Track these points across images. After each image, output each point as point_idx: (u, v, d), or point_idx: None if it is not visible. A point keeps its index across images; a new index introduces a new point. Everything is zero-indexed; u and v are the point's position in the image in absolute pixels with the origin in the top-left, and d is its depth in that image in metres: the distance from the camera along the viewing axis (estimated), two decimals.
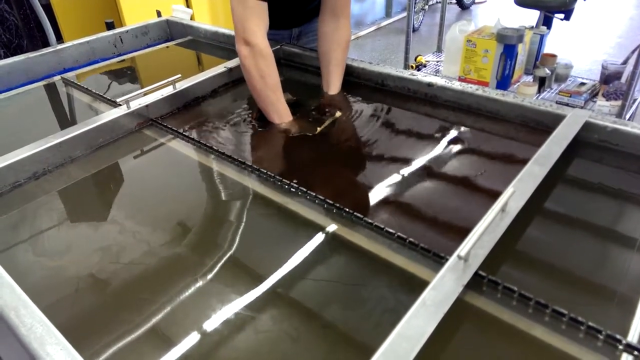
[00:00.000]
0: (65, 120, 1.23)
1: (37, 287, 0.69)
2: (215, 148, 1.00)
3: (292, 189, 0.87)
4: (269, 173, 0.90)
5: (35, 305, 0.57)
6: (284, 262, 0.71)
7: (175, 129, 1.09)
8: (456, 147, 1.00)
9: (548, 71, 2.75)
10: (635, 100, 2.50)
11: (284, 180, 0.88)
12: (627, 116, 2.43)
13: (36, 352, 0.50)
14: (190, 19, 1.79)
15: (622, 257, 0.71)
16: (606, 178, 0.90)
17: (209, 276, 0.70)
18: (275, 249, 0.76)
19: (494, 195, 0.82)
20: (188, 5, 3.10)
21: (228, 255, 0.74)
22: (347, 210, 0.79)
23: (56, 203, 0.90)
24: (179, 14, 1.82)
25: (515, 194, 0.72)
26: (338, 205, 0.80)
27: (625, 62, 2.71)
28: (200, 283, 0.69)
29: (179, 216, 0.84)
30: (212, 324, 0.62)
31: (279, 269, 0.70)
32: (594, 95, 2.67)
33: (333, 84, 1.26)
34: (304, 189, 0.85)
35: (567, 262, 0.70)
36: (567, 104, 2.57)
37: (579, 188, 0.88)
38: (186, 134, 1.07)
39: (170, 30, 1.77)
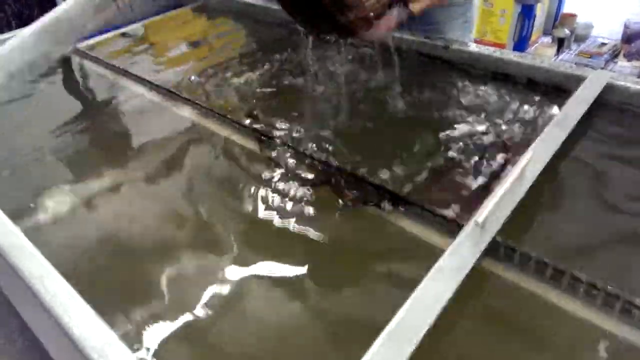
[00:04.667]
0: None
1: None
2: None
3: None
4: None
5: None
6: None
7: None
8: (470, 110, 0.98)
9: (567, 32, 2.66)
10: None
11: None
12: None
13: (60, 318, 0.52)
14: None
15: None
16: (627, 143, 0.88)
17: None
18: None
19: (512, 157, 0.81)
20: None
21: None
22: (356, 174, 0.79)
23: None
24: None
25: (534, 158, 0.71)
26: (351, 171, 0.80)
27: None
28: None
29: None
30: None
31: None
32: (615, 55, 2.58)
33: None
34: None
35: (587, 227, 0.70)
36: (587, 65, 2.50)
37: (598, 153, 0.86)
38: None
39: None
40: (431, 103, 1.02)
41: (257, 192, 0.81)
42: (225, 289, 0.64)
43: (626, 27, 2.61)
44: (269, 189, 0.81)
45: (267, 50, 1.30)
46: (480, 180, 0.79)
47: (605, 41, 2.70)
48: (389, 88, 1.08)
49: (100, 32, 1.49)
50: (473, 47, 1.12)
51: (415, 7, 1.01)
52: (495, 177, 0.79)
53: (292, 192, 0.80)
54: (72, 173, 0.92)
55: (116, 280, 0.67)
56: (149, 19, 1.58)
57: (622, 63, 2.43)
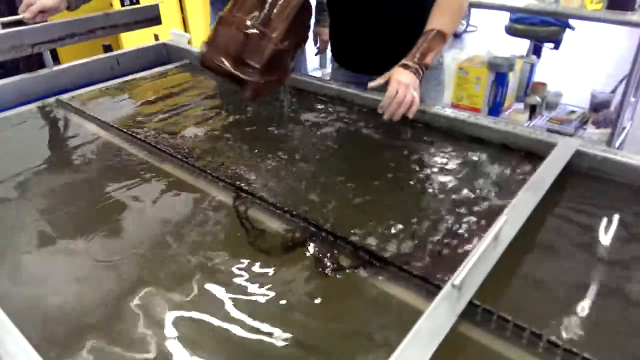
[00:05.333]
0: (58, 140, 1.23)
1: None
2: None
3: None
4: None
5: None
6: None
7: None
8: (448, 173, 1.00)
9: (539, 99, 2.80)
10: (624, 128, 2.54)
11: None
12: (617, 144, 2.47)
13: None
14: (188, 43, 1.81)
15: (614, 285, 0.71)
16: (596, 206, 0.90)
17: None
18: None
19: (487, 220, 0.83)
20: (186, 30, 3.14)
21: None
22: (332, 232, 0.79)
23: None
24: (177, 37, 1.84)
25: (508, 221, 0.72)
26: (315, 222, 0.80)
27: (613, 91, 2.77)
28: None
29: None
30: None
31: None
32: (583, 123, 2.71)
33: (434, 18, 1.15)
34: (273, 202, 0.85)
35: (561, 291, 0.70)
36: (557, 132, 2.61)
37: (570, 216, 0.88)
38: None
39: (167, 54, 1.79)
40: (408, 163, 1.05)
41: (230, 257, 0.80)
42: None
43: (593, 96, 2.77)
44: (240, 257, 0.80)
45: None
46: (457, 242, 0.80)
47: (574, 109, 2.84)
48: (367, 148, 1.11)
49: (84, 85, 1.51)
50: (449, 112, 1.16)
51: (428, 60, 1.12)
52: (471, 238, 0.80)
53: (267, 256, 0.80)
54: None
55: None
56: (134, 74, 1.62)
57: (590, 130, 2.55)
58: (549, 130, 2.65)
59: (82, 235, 0.86)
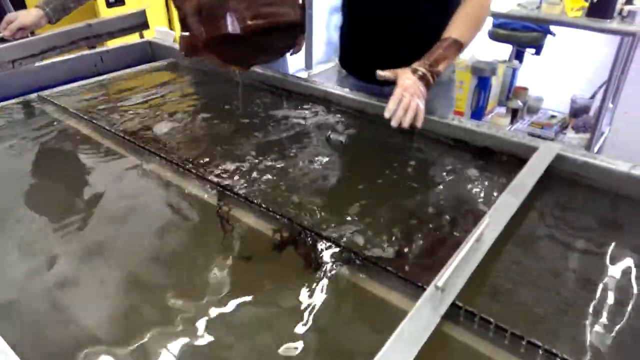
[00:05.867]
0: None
1: None
2: None
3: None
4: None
5: None
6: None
7: None
8: (431, 175, 1.02)
9: (520, 103, 2.84)
10: (602, 133, 2.60)
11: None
12: (595, 149, 2.53)
13: None
14: (173, 41, 1.80)
15: (589, 289, 0.73)
16: (576, 209, 0.92)
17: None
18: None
19: (470, 222, 0.84)
20: (171, 28, 3.11)
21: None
22: (314, 231, 0.79)
23: None
24: (162, 35, 1.82)
25: (490, 224, 0.74)
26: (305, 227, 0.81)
27: (593, 97, 2.84)
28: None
29: None
30: None
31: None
32: (564, 127, 2.77)
33: (452, 26, 1.13)
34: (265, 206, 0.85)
35: (541, 293, 0.72)
36: (539, 136, 2.66)
37: (550, 219, 0.90)
38: None
39: (152, 52, 1.77)
40: (394, 166, 1.05)
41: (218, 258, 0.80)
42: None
43: (573, 102, 2.82)
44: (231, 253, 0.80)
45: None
46: (440, 244, 0.81)
47: (555, 114, 2.90)
48: (354, 152, 1.12)
49: (66, 82, 1.49)
50: (435, 117, 1.17)
51: (440, 68, 1.09)
52: (454, 240, 0.82)
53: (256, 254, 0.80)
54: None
55: None
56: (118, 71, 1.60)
57: (570, 134, 2.60)
58: (530, 134, 2.72)
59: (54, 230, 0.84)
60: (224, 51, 0.96)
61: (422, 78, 1.05)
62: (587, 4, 2.12)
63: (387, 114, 1.02)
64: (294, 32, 0.98)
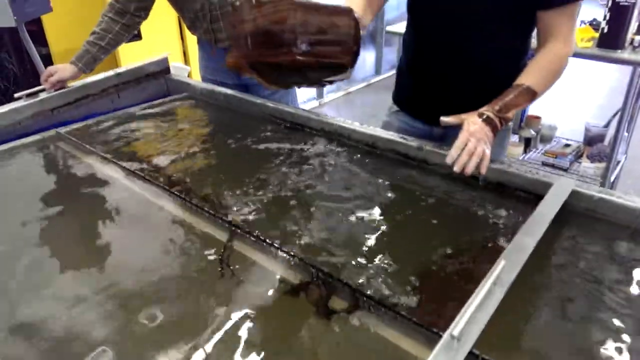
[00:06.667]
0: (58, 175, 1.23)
1: None
2: None
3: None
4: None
5: None
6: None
7: None
8: (444, 212, 1.01)
9: (533, 132, 2.83)
10: (618, 162, 2.57)
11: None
12: (612, 178, 2.49)
13: None
14: (188, 76, 1.84)
15: (614, 337, 0.71)
16: (593, 247, 0.90)
17: None
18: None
19: (486, 262, 0.82)
20: (186, 63, 3.18)
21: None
22: (330, 274, 0.79)
23: None
24: (177, 70, 1.86)
25: (506, 266, 0.72)
26: (322, 268, 0.80)
27: (607, 125, 2.81)
28: None
29: None
30: None
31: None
32: (578, 156, 2.74)
33: (528, 73, 1.09)
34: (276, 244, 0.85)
35: (561, 340, 0.70)
36: (553, 165, 2.64)
37: (566, 258, 0.88)
38: None
39: (167, 87, 1.81)
40: (408, 202, 1.05)
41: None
42: None
43: (587, 130, 2.80)
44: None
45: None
46: (456, 285, 0.80)
47: (569, 142, 2.87)
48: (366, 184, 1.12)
49: (83, 118, 1.53)
50: (444, 151, 1.17)
51: (510, 115, 1.06)
52: (470, 281, 0.80)
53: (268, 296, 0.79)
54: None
55: None
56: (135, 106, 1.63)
57: (585, 164, 2.57)
58: (544, 164, 2.70)
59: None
60: (267, 71, 0.97)
61: (490, 122, 1.01)
62: (597, 35, 2.12)
63: (449, 160, 1.00)
64: (338, 73, 0.99)
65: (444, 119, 1.06)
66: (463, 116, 1.05)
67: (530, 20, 1.15)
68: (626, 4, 1.97)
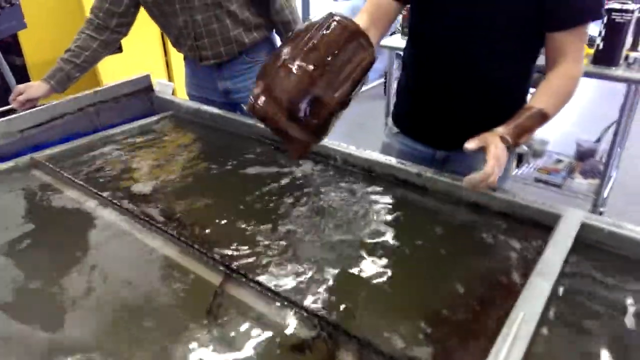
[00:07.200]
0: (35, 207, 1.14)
1: None
2: None
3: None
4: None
5: None
6: None
7: None
8: (451, 247, 0.95)
9: (525, 147, 2.80)
10: (610, 177, 2.55)
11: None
12: (605, 194, 2.47)
13: None
14: (172, 93, 1.76)
15: None
16: (607, 282, 0.85)
17: None
18: None
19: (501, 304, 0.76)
20: (169, 77, 3.09)
21: None
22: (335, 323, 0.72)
23: None
24: (161, 87, 1.78)
25: (525, 317, 0.66)
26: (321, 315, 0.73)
27: (598, 140, 2.80)
28: None
29: None
30: None
31: None
32: (571, 171, 2.71)
33: (540, 96, 1.06)
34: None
35: None
36: (546, 182, 2.61)
37: (580, 294, 0.82)
38: None
39: (152, 104, 1.73)
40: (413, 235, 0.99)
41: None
42: None
43: (578, 145, 2.79)
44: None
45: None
46: (471, 335, 0.73)
47: (561, 157, 2.85)
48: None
49: (64, 140, 1.44)
50: (445, 178, 1.11)
51: (522, 140, 1.02)
52: (487, 329, 0.74)
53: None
54: None
55: None
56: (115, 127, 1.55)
57: (579, 180, 2.55)
58: (537, 180, 2.66)
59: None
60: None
61: (508, 146, 0.98)
62: (592, 51, 2.10)
63: (468, 185, 0.97)
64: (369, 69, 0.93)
65: (469, 145, 0.98)
66: (487, 139, 0.98)
67: (539, 42, 1.12)
68: (621, 20, 1.95)
